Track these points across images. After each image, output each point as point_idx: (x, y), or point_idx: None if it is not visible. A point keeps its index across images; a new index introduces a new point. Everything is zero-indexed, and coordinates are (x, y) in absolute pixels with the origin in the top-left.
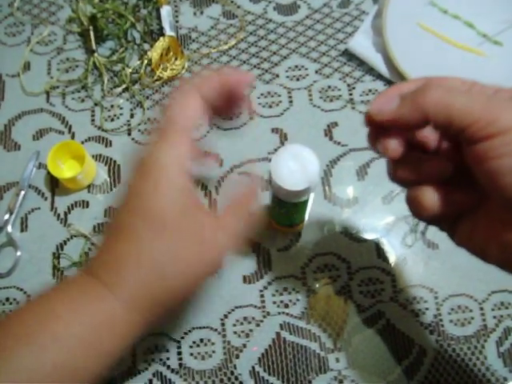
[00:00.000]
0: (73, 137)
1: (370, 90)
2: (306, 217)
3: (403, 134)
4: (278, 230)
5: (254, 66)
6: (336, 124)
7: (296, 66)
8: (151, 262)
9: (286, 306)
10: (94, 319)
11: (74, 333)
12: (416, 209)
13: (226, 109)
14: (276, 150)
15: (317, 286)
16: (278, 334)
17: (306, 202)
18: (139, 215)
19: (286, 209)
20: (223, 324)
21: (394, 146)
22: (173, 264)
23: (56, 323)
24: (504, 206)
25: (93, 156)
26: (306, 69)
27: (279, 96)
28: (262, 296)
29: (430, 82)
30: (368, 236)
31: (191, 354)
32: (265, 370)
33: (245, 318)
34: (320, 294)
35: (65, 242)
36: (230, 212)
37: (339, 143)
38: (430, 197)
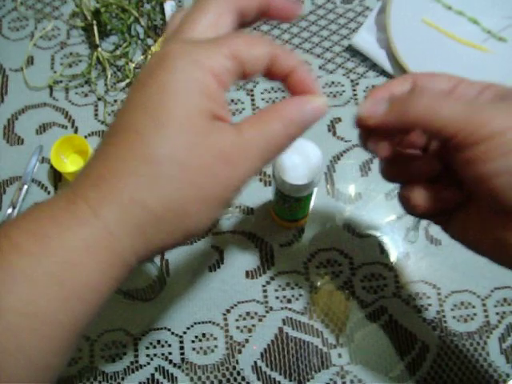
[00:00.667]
0: (76, 131)
1: (373, 86)
2: (309, 212)
3: (393, 135)
4: (281, 225)
5: None
6: (339, 119)
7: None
8: (154, 166)
9: (289, 301)
10: (66, 248)
11: (42, 268)
12: (407, 206)
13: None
14: None
15: (319, 281)
16: (280, 329)
17: (309, 197)
18: (142, 112)
19: (289, 203)
20: (226, 319)
21: (384, 146)
22: (179, 173)
23: (20, 259)
24: (492, 208)
25: None
26: (310, 64)
27: (283, 91)
28: (264, 291)
29: (415, 88)
30: (371, 232)
31: (193, 349)
32: (267, 366)
33: (247, 313)
34: (323, 289)
35: None
36: (258, 121)
37: (342, 139)
38: (420, 195)
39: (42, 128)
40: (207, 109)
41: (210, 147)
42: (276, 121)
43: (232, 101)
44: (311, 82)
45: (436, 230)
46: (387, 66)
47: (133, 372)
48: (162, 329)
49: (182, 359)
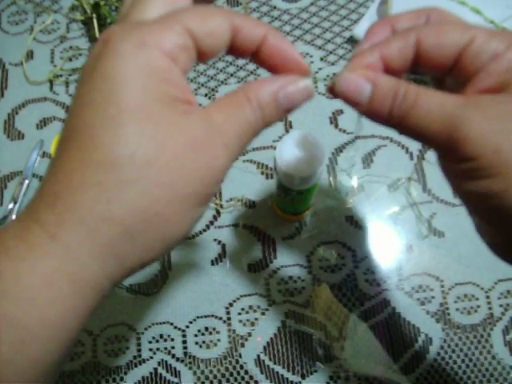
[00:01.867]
0: None
1: None
2: (311, 205)
3: None
4: (283, 219)
5: None
6: (341, 112)
7: (301, 54)
8: (113, 172)
9: (292, 294)
10: (21, 284)
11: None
12: None
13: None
14: (281, 137)
15: (323, 274)
16: (283, 322)
17: (311, 190)
18: (89, 111)
19: (291, 196)
20: (228, 312)
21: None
22: (144, 174)
23: None
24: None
25: None
26: (311, 56)
27: None
28: (267, 284)
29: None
30: (373, 224)
31: (196, 343)
32: (270, 359)
33: (250, 307)
34: (325, 282)
35: None
36: (228, 105)
37: (345, 131)
38: None
39: (43, 122)
40: (164, 93)
41: (176, 137)
42: (247, 104)
43: None
44: (288, 48)
45: (439, 223)
46: None
47: (136, 366)
48: (164, 323)
49: (185, 353)
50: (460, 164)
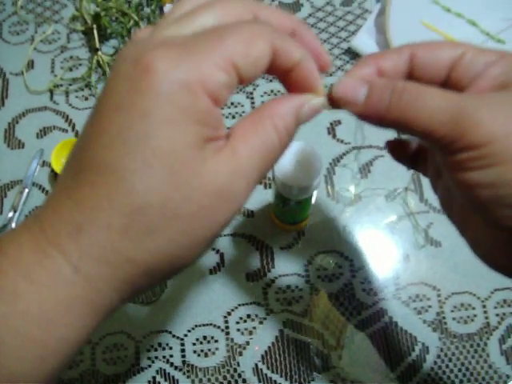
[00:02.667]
0: (76, 135)
1: None
2: (309, 214)
3: None
4: (281, 228)
5: None
6: (339, 122)
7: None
8: (141, 218)
9: (289, 303)
10: (44, 309)
11: (16, 331)
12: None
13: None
14: None
15: (320, 284)
16: (281, 331)
17: (308, 200)
18: (122, 150)
19: (288, 206)
20: (226, 321)
21: None
22: (171, 222)
23: None
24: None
25: None
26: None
27: (282, 94)
28: (265, 293)
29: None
30: (371, 234)
31: (194, 352)
32: (268, 368)
33: (248, 316)
34: (323, 291)
35: None
36: (249, 132)
37: (342, 141)
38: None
39: (43, 132)
40: (200, 136)
41: (204, 187)
42: (271, 128)
43: (232, 103)
44: (314, 79)
45: (436, 232)
46: None
47: (134, 375)
48: (163, 331)
49: (183, 362)
50: (467, 152)
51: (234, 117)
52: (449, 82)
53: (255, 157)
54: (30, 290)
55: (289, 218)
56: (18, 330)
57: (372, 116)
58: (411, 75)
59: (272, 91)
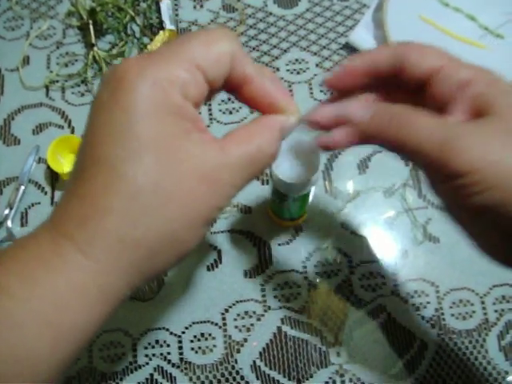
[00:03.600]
0: (73, 131)
1: None
2: (307, 210)
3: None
4: (279, 224)
5: (255, 60)
6: None
7: (296, 60)
8: (138, 201)
9: (287, 300)
10: (58, 292)
11: (33, 312)
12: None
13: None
14: None
15: (317, 280)
16: (279, 328)
17: (306, 196)
18: (112, 142)
19: (286, 202)
20: (224, 318)
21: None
22: (165, 203)
23: (10, 302)
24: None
25: None
26: (307, 62)
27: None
28: (262, 290)
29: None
30: (369, 230)
31: (192, 349)
32: (266, 365)
33: (246, 313)
34: (321, 288)
35: None
36: (242, 139)
37: None
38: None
39: (39, 128)
40: (179, 127)
41: (193, 171)
42: (259, 137)
43: (229, 99)
44: (272, 97)
45: (434, 228)
46: None
47: (131, 372)
48: (160, 329)
49: (181, 359)
50: (458, 180)
51: (231, 112)
52: (428, 91)
53: (244, 158)
54: (47, 276)
55: (286, 214)
56: (37, 313)
57: (371, 139)
58: (399, 72)
59: None
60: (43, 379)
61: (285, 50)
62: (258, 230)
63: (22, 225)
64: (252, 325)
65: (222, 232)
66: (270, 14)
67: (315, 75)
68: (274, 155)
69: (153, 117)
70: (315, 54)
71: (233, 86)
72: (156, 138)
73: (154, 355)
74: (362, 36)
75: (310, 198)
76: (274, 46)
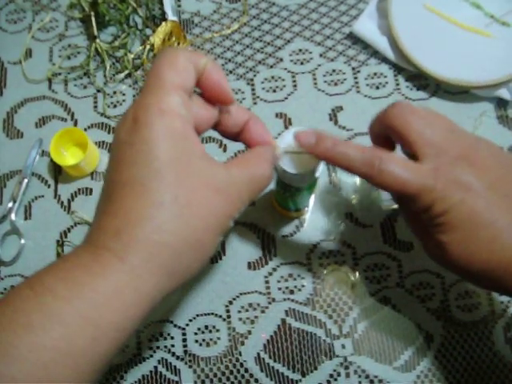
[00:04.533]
0: (75, 124)
1: (375, 74)
2: (311, 202)
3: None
4: (283, 215)
5: (258, 51)
6: (341, 108)
7: (300, 50)
8: (164, 209)
9: (292, 292)
10: (98, 292)
11: (75, 310)
12: None
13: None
14: (280, 135)
15: (324, 272)
16: (283, 320)
17: (310, 187)
18: (136, 166)
19: (290, 193)
20: (228, 311)
21: None
22: (185, 210)
23: (55, 302)
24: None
25: (96, 143)
26: (310, 52)
27: (283, 80)
28: (267, 282)
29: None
30: (374, 221)
31: (196, 341)
32: (270, 357)
33: (250, 305)
34: (326, 280)
35: (69, 230)
36: (242, 164)
37: (344, 127)
38: None
39: (42, 121)
40: (190, 149)
41: (206, 184)
42: (256, 162)
43: (232, 90)
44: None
45: None
46: (389, 53)
47: (136, 365)
48: (164, 321)
49: (185, 351)
50: (429, 213)
51: None
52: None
53: (245, 178)
54: (87, 279)
55: (290, 205)
56: (78, 311)
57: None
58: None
59: (273, 77)
60: (85, 372)
61: (288, 41)
62: (262, 222)
63: (26, 218)
64: (256, 317)
65: None
66: (273, 4)
67: (319, 65)
68: (270, 178)
69: (167, 141)
70: (319, 44)
71: (230, 133)
72: (172, 157)
73: (158, 348)
74: (366, 26)
75: (315, 188)
76: (278, 37)
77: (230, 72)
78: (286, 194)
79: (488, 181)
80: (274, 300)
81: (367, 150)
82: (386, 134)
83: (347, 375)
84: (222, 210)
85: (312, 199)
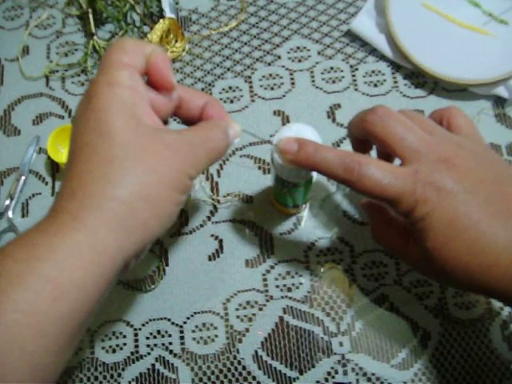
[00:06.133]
0: (73, 121)
1: (373, 71)
2: (309, 199)
3: None
4: (280, 211)
5: (256, 48)
6: (339, 106)
7: (298, 48)
8: (116, 165)
9: (289, 289)
10: (55, 252)
11: (34, 270)
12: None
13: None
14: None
15: (321, 270)
16: (281, 318)
17: (308, 183)
18: (88, 132)
19: (287, 189)
20: (226, 308)
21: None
22: (136, 164)
23: (15, 265)
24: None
25: None
26: (308, 50)
27: (281, 78)
28: (264, 280)
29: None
30: None
31: (194, 339)
32: (268, 355)
33: (247, 302)
34: (323, 277)
35: None
36: (195, 129)
37: (342, 125)
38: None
39: (39, 118)
40: (136, 114)
41: (159, 141)
42: (210, 127)
43: (230, 88)
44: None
45: None
46: (387, 50)
47: (133, 362)
48: (162, 319)
49: (183, 349)
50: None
51: (232, 101)
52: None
53: (197, 138)
54: (44, 241)
55: (288, 202)
56: (36, 271)
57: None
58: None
59: (271, 75)
60: (50, 334)
61: (286, 38)
62: (259, 220)
63: (23, 215)
64: (254, 315)
65: (223, 221)
66: (272, 1)
67: (317, 63)
68: (226, 144)
69: (115, 108)
70: (317, 41)
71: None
72: (121, 121)
73: (155, 345)
74: (364, 23)
75: (312, 186)
76: (276, 34)
77: (228, 69)
78: (284, 190)
79: (468, 184)
80: (271, 298)
81: (346, 155)
82: (365, 138)
83: (345, 373)
84: (175, 165)
85: (309, 197)
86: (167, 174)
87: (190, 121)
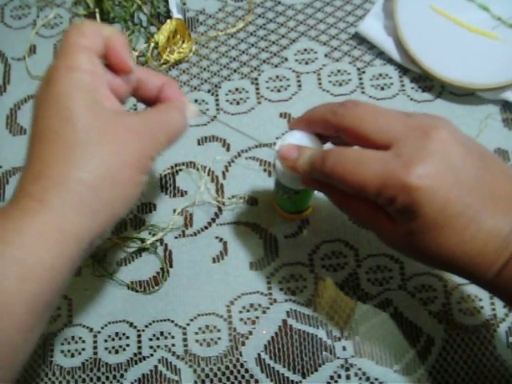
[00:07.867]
0: None
1: (380, 75)
2: (313, 203)
3: None
4: (283, 217)
5: (263, 49)
6: None
7: (305, 50)
8: (79, 148)
9: (293, 293)
10: (21, 235)
11: (4, 255)
12: None
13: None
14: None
15: (324, 273)
16: (284, 321)
17: (309, 190)
18: (49, 116)
19: (289, 195)
20: (229, 311)
21: None
22: (98, 146)
23: None
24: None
25: None
26: (316, 52)
27: (288, 80)
28: (268, 283)
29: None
30: None
31: (197, 341)
32: (271, 358)
33: (251, 305)
34: (328, 281)
35: None
36: (152, 110)
37: None
38: None
39: None
40: (95, 97)
41: (120, 124)
42: (167, 108)
43: (236, 89)
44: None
45: None
46: (394, 53)
47: (136, 364)
48: (165, 320)
49: (186, 351)
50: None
51: (238, 103)
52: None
53: (156, 120)
54: (10, 225)
55: (290, 208)
56: (4, 254)
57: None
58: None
59: (277, 77)
60: (18, 313)
61: (293, 40)
62: (264, 222)
63: None
64: (257, 317)
65: (228, 224)
66: (279, 2)
67: (324, 65)
68: (183, 124)
69: (75, 93)
70: (324, 44)
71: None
72: (82, 106)
73: (158, 347)
74: (372, 26)
75: (314, 192)
76: (283, 36)
77: (235, 71)
78: (285, 196)
79: (457, 159)
80: (275, 301)
81: (317, 152)
82: (329, 133)
83: (348, 377)
84: (136, 147)
85: (314, 200)
86: (129, 156)
87: (148, 101)
